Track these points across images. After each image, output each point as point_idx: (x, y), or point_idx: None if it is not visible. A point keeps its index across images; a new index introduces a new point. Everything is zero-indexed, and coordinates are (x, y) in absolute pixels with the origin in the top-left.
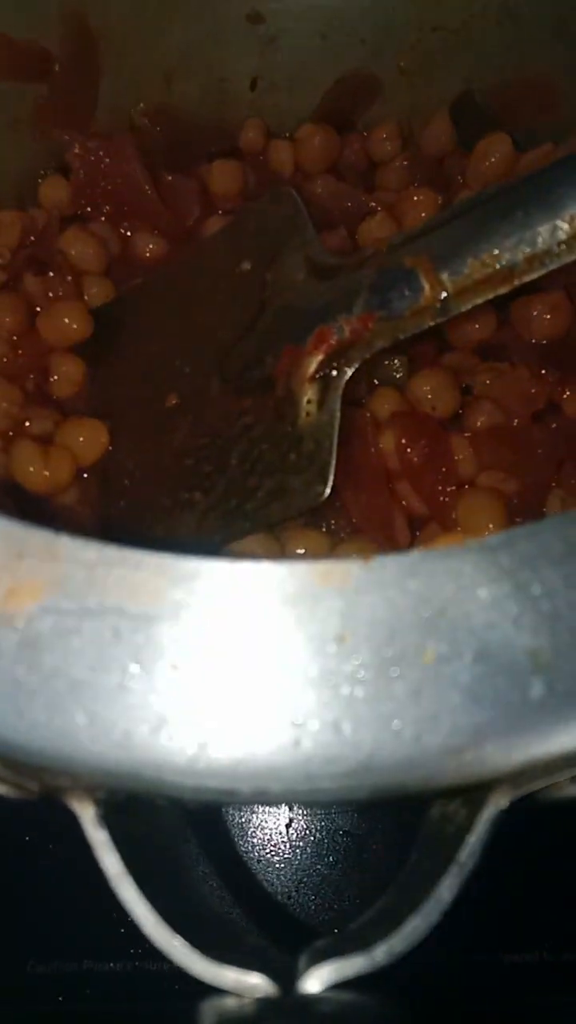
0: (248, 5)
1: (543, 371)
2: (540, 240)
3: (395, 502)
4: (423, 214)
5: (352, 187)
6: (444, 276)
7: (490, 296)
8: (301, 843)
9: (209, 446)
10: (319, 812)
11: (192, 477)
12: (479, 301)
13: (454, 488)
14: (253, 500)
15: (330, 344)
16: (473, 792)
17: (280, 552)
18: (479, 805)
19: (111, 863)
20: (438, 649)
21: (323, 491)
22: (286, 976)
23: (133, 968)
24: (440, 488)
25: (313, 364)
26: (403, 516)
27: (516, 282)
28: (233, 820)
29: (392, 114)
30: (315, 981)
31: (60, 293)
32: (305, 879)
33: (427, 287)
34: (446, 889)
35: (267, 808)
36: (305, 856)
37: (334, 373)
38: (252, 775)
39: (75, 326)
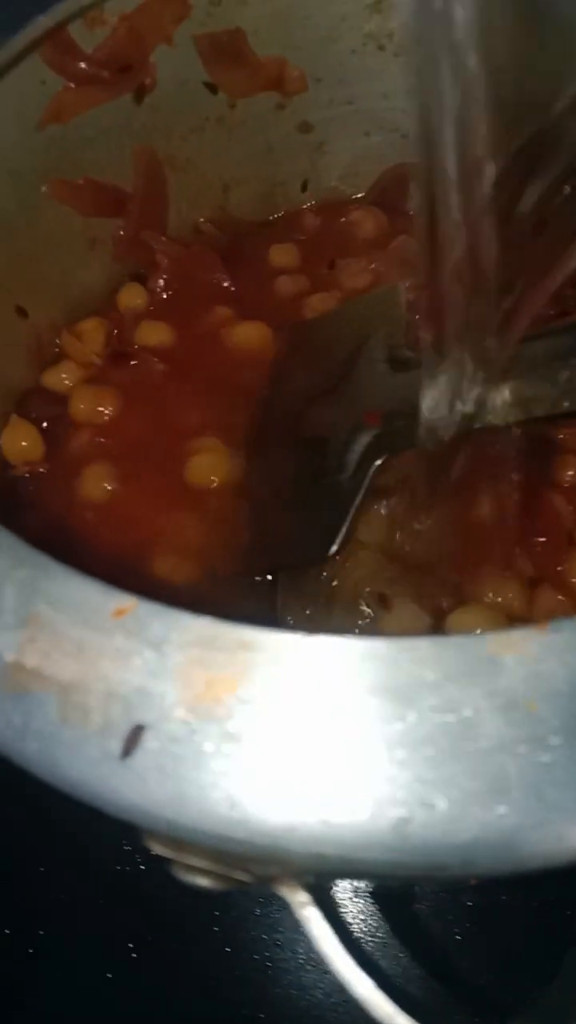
0: (298, 117)
1: None
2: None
3: None
4: None
5: None
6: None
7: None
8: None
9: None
10: None
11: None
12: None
13: None
14: (281, 535)
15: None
16: None
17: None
18: None
19: (328, 943)
20: None
21: (325, 553)
22: None
23: None
24: None
25: (368, 436)
26: None
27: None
28: None
29: None
30: None
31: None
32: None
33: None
34: None
35: None
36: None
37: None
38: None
39: None
